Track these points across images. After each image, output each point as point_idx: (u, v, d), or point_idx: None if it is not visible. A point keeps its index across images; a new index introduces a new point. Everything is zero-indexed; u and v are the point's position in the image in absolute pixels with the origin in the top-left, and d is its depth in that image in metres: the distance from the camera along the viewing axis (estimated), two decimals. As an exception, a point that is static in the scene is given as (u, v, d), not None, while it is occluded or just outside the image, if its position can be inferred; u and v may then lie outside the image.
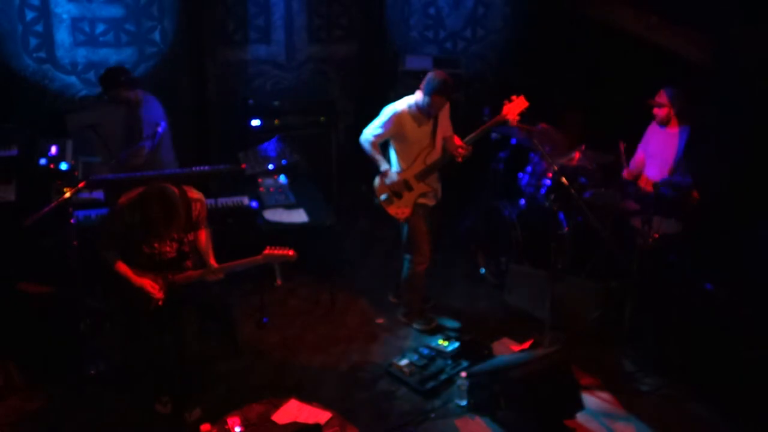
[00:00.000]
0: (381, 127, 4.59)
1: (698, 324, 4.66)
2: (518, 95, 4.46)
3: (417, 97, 4.53)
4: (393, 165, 4.69)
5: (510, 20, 6.80)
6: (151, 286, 3.80)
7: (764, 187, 4.79)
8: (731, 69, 4.99)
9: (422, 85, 4.46)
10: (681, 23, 5.32)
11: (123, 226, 3.76)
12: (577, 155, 5.11)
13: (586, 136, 5.37)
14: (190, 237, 3.90)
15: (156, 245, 3.81)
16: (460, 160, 4.55)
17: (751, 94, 4.86)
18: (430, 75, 4.44)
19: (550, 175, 5.19)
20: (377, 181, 4.73)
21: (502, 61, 6.84)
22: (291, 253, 3.89)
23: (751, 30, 4.82)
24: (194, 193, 3.91)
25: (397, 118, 4.54)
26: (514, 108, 4.44)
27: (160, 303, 3.85)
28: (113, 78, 4.91)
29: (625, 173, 5.24)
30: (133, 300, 3.84)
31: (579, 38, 6.19)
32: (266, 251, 3.87)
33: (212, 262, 3.92)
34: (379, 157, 4.63)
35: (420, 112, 4.54)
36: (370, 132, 4.62)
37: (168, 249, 3.84)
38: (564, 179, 4.84)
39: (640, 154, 5.28)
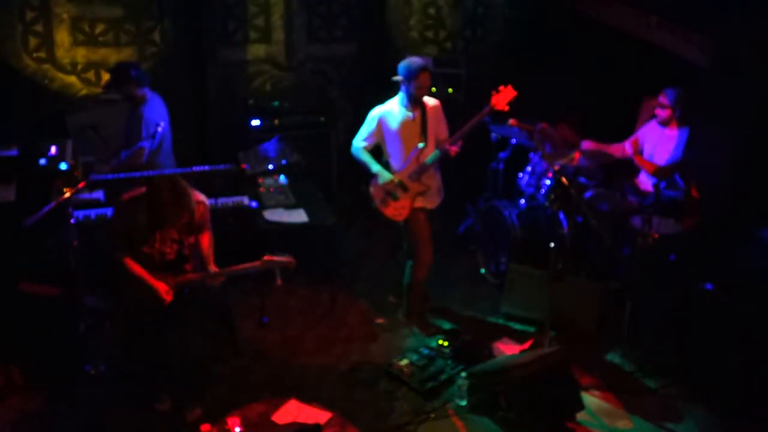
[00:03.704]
0: (368, 131, 4.61)
1: (698, 324, 4.67)
2: (506, 86, 4.48)
3: (400, 95, 4.55)
4: (387, 167, 4.68)
5: (510, 20, 6.80)
6: (165, 291, 3.79)
7: (764, 188, 4.80)
8: (731, 69, 4.99)
9: (402, 76, 4.47)
10: (681, 23, 5.31)
11: (126, 224, 3.75)
12: (577, 155, 5.11)
13: (585, 136, 5.37)
14: (191, 240, 3.90)
15: (157, 246, 3.79)
16: (452, 155, 4.54)
17: (750, 95, 4.86)
18: (403, 64, 4.47)
19: (550, 175, 5.19)
20: (372, 184, 4.72)
21: (502, 61, 6.83)
22: (290, 260, 3.89)
23: (751, 30, 4.82)
24: (198, 196, 3.91)
25: (381, 119, 4.56)
26: (503, 98, 4.47)
27: (165, 304, 3.83)
28: (124, 73, 4.90)
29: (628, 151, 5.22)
30: (140, 300, 3.83)
31: (579, 38, 6.19)
32: (265, 257, 3.87)
33: (212, 266, 3.92)
34: (370, 161, 4.64)
35: (406, 109, 4.54)
36: (359, 139, 4.65)
37: (168, 250, 3.83)
38: (564, 179, 4.85)
39: (632, 140, 5.26)
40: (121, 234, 3.78)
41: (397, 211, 4.67)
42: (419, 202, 4.69)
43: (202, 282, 3.91)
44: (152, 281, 3.78)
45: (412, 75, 4.43)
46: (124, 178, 4.68)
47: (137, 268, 3.78)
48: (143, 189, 3.76)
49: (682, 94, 4.97)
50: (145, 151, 4.83)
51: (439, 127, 4.65)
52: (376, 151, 4.73)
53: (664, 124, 5.06)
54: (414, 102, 4.53)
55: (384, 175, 4.62)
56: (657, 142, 5.13)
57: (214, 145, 6.33)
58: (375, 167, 4.64)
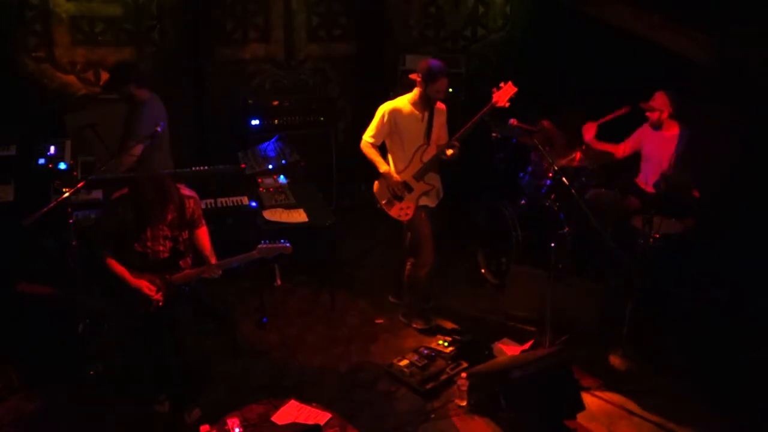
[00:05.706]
0: (377, 126, 4.60)
1: (698, 324, 4.66)
2: (506, 82, 4.48)
3: (413, 93, 4.55)
4: (390, 167, 4.67)
5: (510, 19, 6.79)
6: (147, 288, 3.77)
7: (764, 187, 4.79)
8: (732, 68, 4.98)
9: (420, 77, 4.46)
10: (682, 22, 5.31)
11: (116, 223, 3.73)
12: (578, 155, 5.10)
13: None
14: (185, 235, 3.87)
15: (149, 243, 3.77)
16: (447, 157, 4.53)
17: (751, 94, 4.85)
18: (424, 64, 4.47)
19: (551, 174, 5.17)
20: (377, 184, 4.71)
21: (503, 60, 6.83)
22: (286, 247, 3.86)
23: (751, 30, 4.81)
24: (187, 191, 3.89)
25: (391, 114, 4.56)
26: (504, 94, 4.47)
27: (160, 304, 3.82)
28: (123, 73, 4.87)
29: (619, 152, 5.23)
30: (132, 300, 3.82)
31: (579, 37, 6.18)
32: (260, 245, 3.86)
33: (212, 259, 3.89)
34: (379, 160, 4.62)
35: (415, 108, 4.54)
36: (368, 134, 4.63)
37: (161, 248, 3.81)
38: (564, 179, 4.83)
39: (627, 145, 5.26)
40: (109, 232, 3.77)
41: (402, 211, 4.66)
42: (422, 201, 4.68)
43: (199, 277, 3.88)
44: (132, 280, 3.75)
45: (431, 77, 4.42)
46: (122, 178, 4.66)
47: (119, 268, 3.76)
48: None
49: (674, 95, 4.94)
50: (140, 150, 4.78)
51: (440, 131, 4.65)
52: (379, 150, 4.71)
53: (656, 126, 5.03)
54: (426, 103, 4.52)
55: (390, 178, 4.61)
56: (657, 144, 5.09)
57: (214, 145, 6.31)
58: (384, 168, 4.62)
